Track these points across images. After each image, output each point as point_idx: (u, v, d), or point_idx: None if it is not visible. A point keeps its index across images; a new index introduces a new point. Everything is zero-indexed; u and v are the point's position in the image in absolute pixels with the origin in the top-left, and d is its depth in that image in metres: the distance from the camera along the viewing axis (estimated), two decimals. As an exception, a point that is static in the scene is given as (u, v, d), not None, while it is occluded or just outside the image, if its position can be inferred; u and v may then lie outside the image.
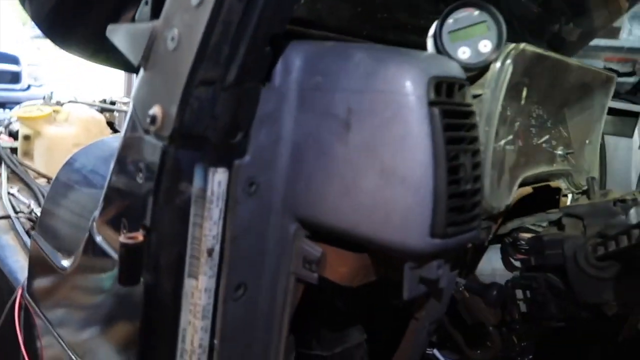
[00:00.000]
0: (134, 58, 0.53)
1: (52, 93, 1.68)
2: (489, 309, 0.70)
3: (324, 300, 0.62)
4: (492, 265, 0.75)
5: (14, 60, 5.10)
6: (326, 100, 0.50)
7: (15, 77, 5.07)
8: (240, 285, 0.54)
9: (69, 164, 0.83)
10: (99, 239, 0.62)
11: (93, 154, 0.82)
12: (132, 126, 0.55)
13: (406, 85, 0.46)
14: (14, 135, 1.66)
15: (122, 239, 0.50)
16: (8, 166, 1.45)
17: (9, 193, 1.30)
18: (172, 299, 0.53)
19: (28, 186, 1.37)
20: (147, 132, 0.51)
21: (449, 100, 0.48)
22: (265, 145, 0.52)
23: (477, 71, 0.61)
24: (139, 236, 0.51)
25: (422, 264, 0.48)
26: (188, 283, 0.52)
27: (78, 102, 1.68)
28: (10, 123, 1.72)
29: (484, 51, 0.59)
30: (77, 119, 1.55)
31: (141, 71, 0.53)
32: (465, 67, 0.56)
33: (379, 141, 0.47)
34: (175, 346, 0.54)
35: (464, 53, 0.58)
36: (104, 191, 0.62)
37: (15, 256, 1.02)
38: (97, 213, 0.63)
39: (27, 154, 1.52)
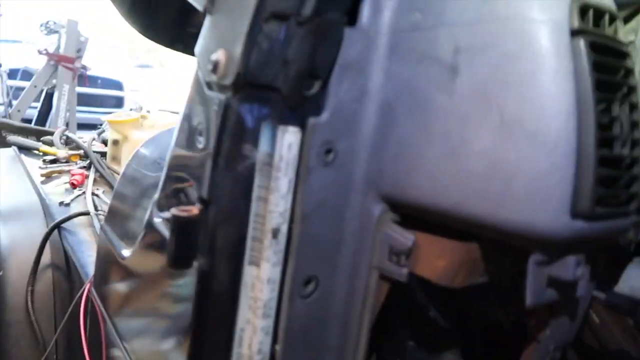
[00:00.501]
0: (199, 3, 0.46)
1: (141, 105, 1.72)
2: (629, 336, 0.54)
3: (414, 307, 0.50)
4: (631, 282, 0.58)
5: (118, 85, 5.51)
6: (426, 42, 0.39)
7: (119, 102, 5.45)
8: (311, 279, 0.43)
9: (137, 152, 0.79)
10: (157, 220, 0.55)
11: (161, 140, 0.76)
12: (195, 85, 0.47)
13: (538, 8, 0.34)
14: (105, 142, 1.71)
15: (173, 211, 0.42)
16: (96, 169, 1.47)
17: (93, 193, 1.31)
18: (229, 290, 0.44)
19: (112, 188, 1.38)
20: (209, 86, 0.43)
21: (599, 32, 0.35)
22: (348, 101, 0.42)
23: (627, 11, 0.47)
24: (194, 209, 0.43)
25: (554, 257, 0.35)
26: (249, 271, 0.43)
27: (165, 110, 1.70)
28: (103, 131, 1.78)
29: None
30: (164, 125, 1.55)
31: (206, 19, 0.46)
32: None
33: (498, 85, 0.35)
34: (230, 349, 0.44)
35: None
36: (164, 169, 0.55)
37: (90, 251, 1.00)
38: (157, 193, 0.56)
39: (115, 158, 1.54)
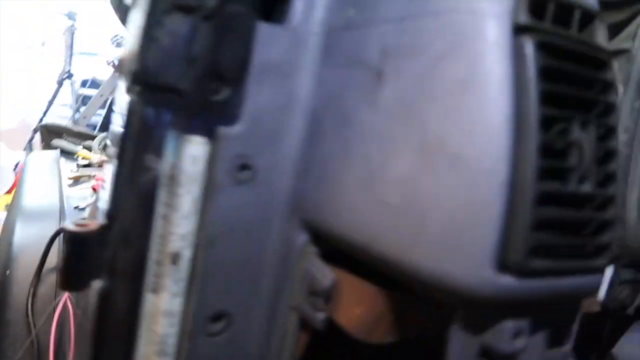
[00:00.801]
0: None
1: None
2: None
3: (344, 356, 0.42)
4: (632, 350, 0.47)
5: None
6: (356, 43, 0.33)
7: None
8: (221, 315, 0.37)
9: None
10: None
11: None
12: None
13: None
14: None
15: (68, 225, 0.37)
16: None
17: (112, 200, 1.31)
18: (130, 320, 0.38)
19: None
20: (125, 88, 0.38)
21: (559, 31, 0.27)
22: (270, 110, 0.36)
23: (626, 13, 0.37)
24: (93, 224, 0.38)
25: (484, 322, 0.27)
26: (149, 300, 0.37)
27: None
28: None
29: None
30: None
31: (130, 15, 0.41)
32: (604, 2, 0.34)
33: (423, 95, 0.27)
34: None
35: (601, -21, 0.36)
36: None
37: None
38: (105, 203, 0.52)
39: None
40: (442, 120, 0.26)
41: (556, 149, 0.25)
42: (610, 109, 0.28)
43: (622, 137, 0.34)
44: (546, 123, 0.25)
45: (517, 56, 0.25)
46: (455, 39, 0.26)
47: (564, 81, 0.26)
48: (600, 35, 0.28)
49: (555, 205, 0.25)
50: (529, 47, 0.25)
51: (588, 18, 0.28)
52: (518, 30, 0.25)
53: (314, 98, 0.35)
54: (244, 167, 0.35)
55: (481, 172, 0.24)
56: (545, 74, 0.25)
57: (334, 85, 0.34)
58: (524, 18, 0.26)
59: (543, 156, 0.24)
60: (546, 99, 0.25)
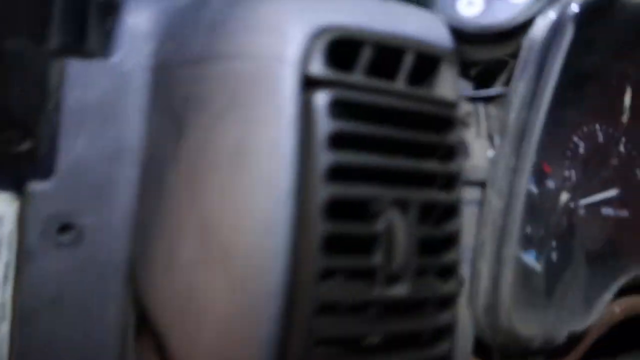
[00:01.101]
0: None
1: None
2: None
3: None
4: None
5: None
6: (169, 83, 0.27)
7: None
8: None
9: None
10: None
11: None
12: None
13: (259, 42, 0.21)
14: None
15: None
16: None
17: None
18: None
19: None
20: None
21: (371, 84, 0.21)
22: (92, 161, 0.30)
23: (508, 46, 0.29)
24: None
25: None
26: (-30, 377, 0.32)
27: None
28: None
29: (516, 1, 0.28)
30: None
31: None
32: (471, 33, 0.27)
33: (202, 163, 0.22)
34: None
35: (469, 4, 0.28)
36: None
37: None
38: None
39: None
40: (216, 198, 0.20)
41: (355, 241, 0.19)
42: (452, 181, 0.21)
43: (496, 203, 0.27)
44: (340, 207, 0.19)
45: (303, 118, 0.19)
46: (236, 92, 0.21)
47: (375, 150, 0.20)
48: (445, 86, 0.22)
49: (351, 316, 0.19)
50: (318, 106, 0.19)
51: (428, 64, 0.22)
52: (309, 83, 0.19)
53: (147, 146, 0.30)
54: (65, 227, 0.30)
55: (250, 272, 0.19)
56: (339, 142, 0.19)
57: (157, 134, 0.28)
58: (317, 68, 0.20)
59: (330, 253, 0.19)
60: (339, 175, 0.19)
